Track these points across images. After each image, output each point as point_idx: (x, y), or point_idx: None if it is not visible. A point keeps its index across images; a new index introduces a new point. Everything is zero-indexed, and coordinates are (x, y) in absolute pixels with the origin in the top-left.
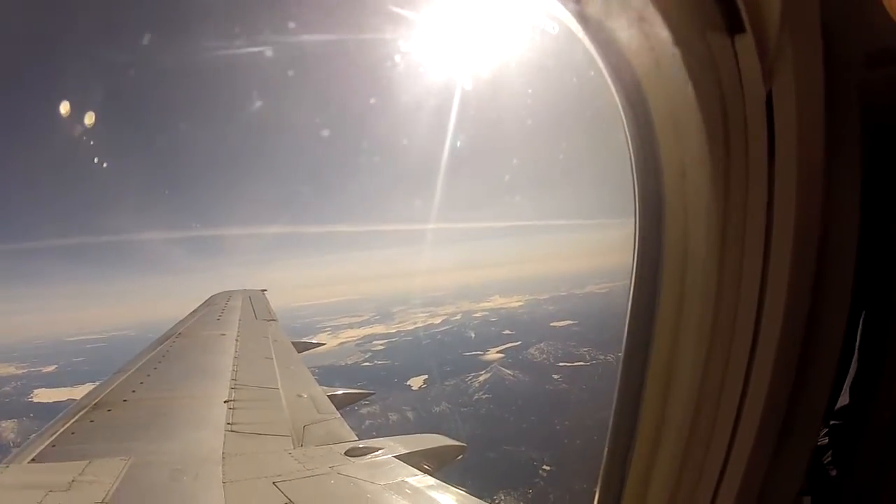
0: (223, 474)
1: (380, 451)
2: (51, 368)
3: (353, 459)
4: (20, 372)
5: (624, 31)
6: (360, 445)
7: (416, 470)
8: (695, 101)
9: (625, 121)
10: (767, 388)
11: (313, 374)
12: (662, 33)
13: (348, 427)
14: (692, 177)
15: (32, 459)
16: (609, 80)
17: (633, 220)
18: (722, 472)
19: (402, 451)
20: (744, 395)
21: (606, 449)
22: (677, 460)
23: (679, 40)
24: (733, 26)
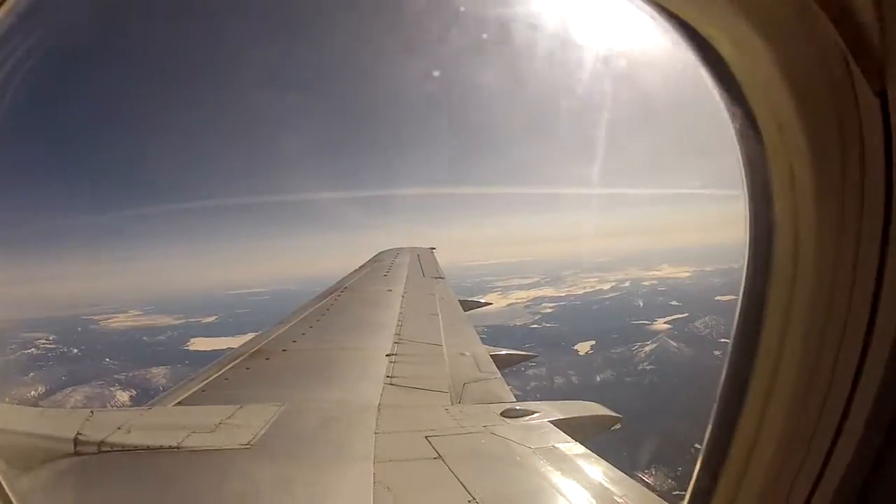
0: (376, 425)
1: (536, 415)
2: (211, 319)
3: (507, 420)
4: (177, 322)
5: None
6: (517, 407)
7: (567, 437)
8: (802, 102)
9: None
10: (877, 388)
11: (481, 333)
12: (767, 31)
13: (507, 388)
14: (801, 178)
15: (179, 402)
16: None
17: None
18: (822, 471)
19: (558, 416)
20: (852, 393)
21: (706, 437)
22: (777, 454)
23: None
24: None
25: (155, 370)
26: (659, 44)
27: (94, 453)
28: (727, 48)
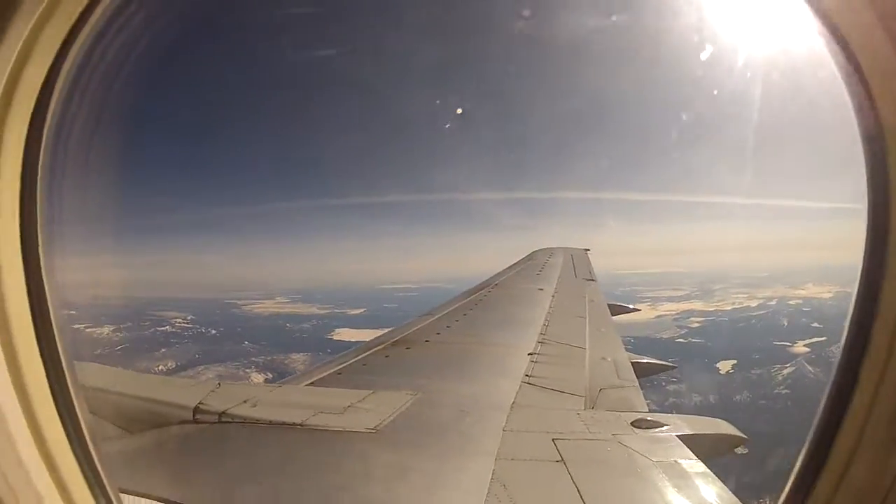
0: (506, 422)
1: (665, 427)
2: (358, 311)
3: (636, 430)
4: (323, 312)
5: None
6: (648, 418)
7: (691, 453)
8: None
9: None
10: None
11: (628, 342)
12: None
13: (642, 397)
14: None
15: (311, 383)
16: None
17: None
18: None
19: (686, 431)
20: None
21: (809, 436)
22: (878, 458)
23: None
24: None
25: (295, 356)
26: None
27: (213, 423)
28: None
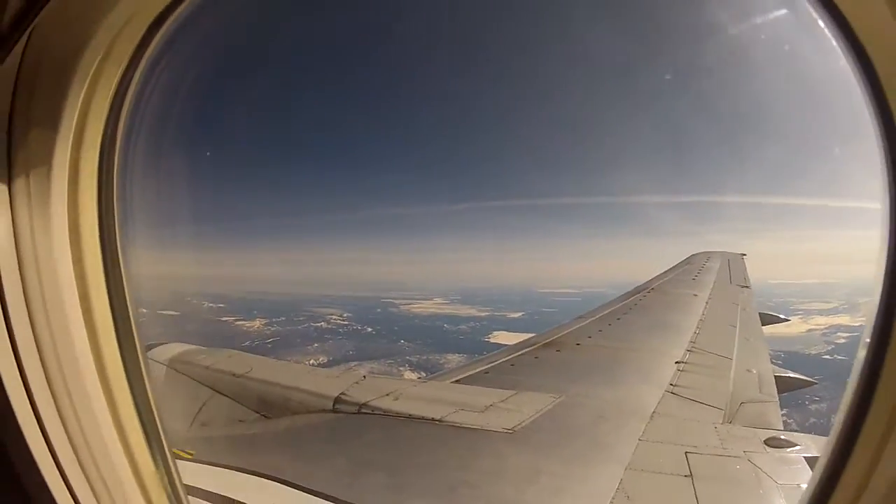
0: (643, 431)
1: (797, 448)
2: (517, 315)
3: (768, 449)
4: (482, 314)
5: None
6: (782, 437)
7: None
8: None
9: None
10: None
11: (777, 357)
12: None
13: (780, 414)
14: None
15: (458, 380)
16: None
17: None
18: None
19: (815, 453)
20: None
21: (829, 440)
22: None
23: None
24: None
25: (450, 356)
26: None
27: (353, 413)
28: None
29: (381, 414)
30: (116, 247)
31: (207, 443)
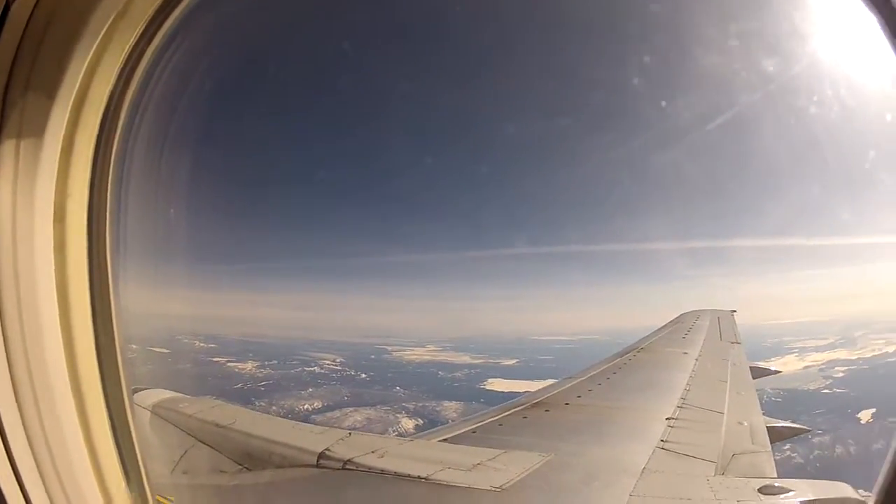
0: (633, 488)
1: (790, 494)
2: (511, 362)
3: (762, 498)
4: (476, 361)
5: None
6: (776, 484)
7: None
8: None
9: None
10: None
11: (776, 397)
12: None
13: (773, 463)
14: None
15: (445, 439)
16: None
17: None
18: None
19: (809, 496)
20: None
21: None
22: None
23: None
24: None
25: (447, 404)
26: None
27: (337, 469)
28: None
29: (366, 471)
30: (105, 243)
31: (188, 490)
